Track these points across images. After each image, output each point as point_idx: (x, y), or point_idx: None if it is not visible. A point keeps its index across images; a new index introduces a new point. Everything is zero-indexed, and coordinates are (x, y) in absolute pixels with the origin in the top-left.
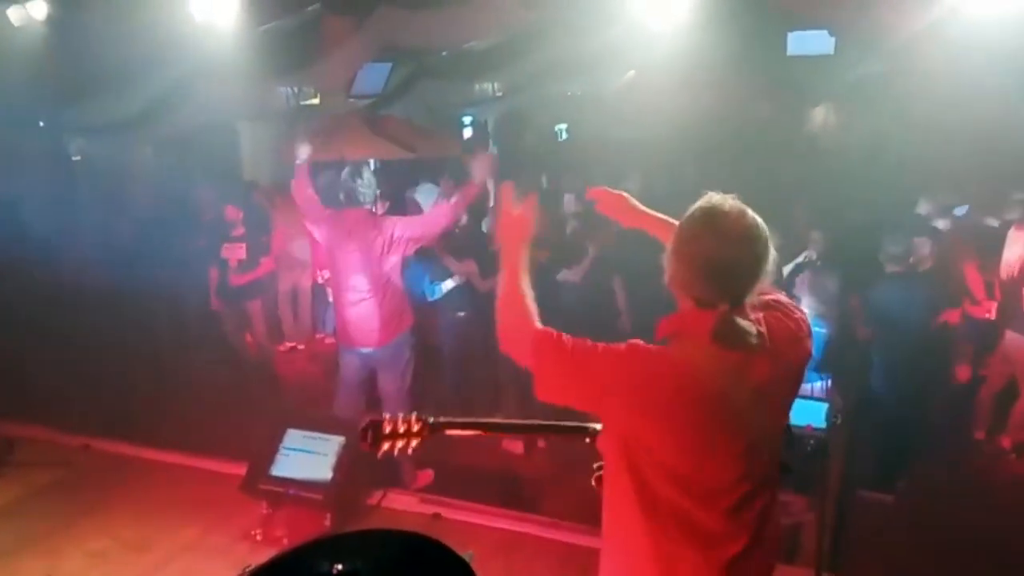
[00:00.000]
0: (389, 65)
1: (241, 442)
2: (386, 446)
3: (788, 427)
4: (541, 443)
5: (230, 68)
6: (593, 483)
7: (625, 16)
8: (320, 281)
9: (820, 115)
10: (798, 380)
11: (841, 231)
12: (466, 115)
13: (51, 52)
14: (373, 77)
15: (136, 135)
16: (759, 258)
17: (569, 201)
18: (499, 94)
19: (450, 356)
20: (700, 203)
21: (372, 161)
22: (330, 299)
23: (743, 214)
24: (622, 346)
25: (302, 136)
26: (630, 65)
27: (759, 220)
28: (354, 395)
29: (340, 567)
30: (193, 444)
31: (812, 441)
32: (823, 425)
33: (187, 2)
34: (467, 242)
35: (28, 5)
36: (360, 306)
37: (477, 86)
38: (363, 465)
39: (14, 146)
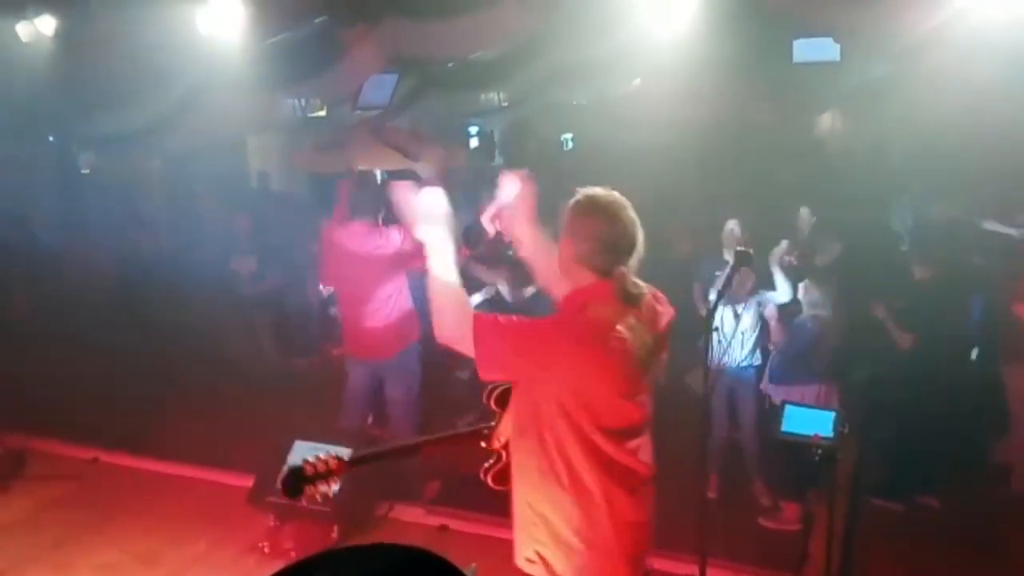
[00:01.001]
0: (396, 76)
1: (249, 454)
2: (309, 490)
3: None
4: None
5: (237, 81)
6: (482, 475)
7: (630, 24)
8: (324, 292)
9: (827, 122)
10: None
11: (850, 237)
12: (472, 125)
13: (59, 67)
14: (380, 88)
15: (144, 148)
16: (635, 231)
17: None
18: (505, 104)
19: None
20: (580, 195)
21: (379, 172)
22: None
23: (617, 198)
24: (551, 318)
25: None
26: (635, 73)
27: (627, 202)
28: (361, 406)
29: None
30: (201, 457)
31: (819, 450)
32: (830, 434)
33: (194, 15)
34: (497, 252)
35: (36, 21)
36: (368, 317)
37: (483, 96)
38: (370, 477)
39: (24, 159)
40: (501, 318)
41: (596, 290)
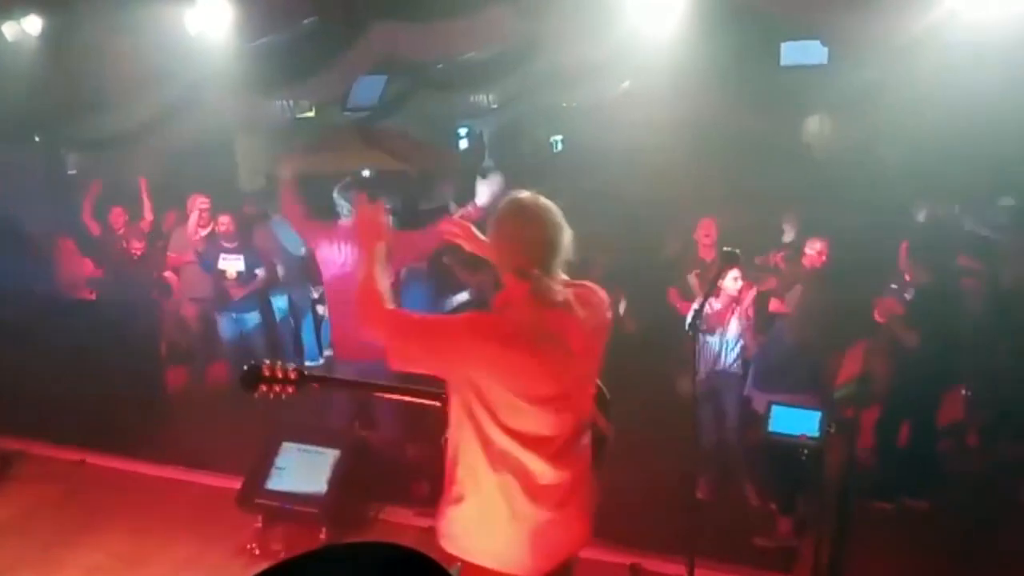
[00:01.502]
0: (385, 77)
1: (237, 456)
2: (263, 388)
3: (601, 394)
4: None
5: (226, 81)
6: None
7: (620, 28)
8: (315, 296)
9: (815, 124)
10: (602, 343)
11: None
12: (462, 127)
13: (46, 67)
14: (369, 89)
15: (132, 149)
16: (556, 234)
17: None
18: (495, 106)
19: None
20: (507, 199)
21: (367, 173)
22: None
23: (541, 202)
24: (463, 316)
25: (292, 151)
26: (625, 76)
27: (553, 206)
28: (348, 408)
29: None
30: (189, 458)
31: (806, 451)
32: (816, 434)
33: (182, 16)
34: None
35: (22, 20)
36: (354, 318)
37: (473, 98)
38: (359, 478)
39: (10, 161)
40: (416, 315)
41: (514, 292)
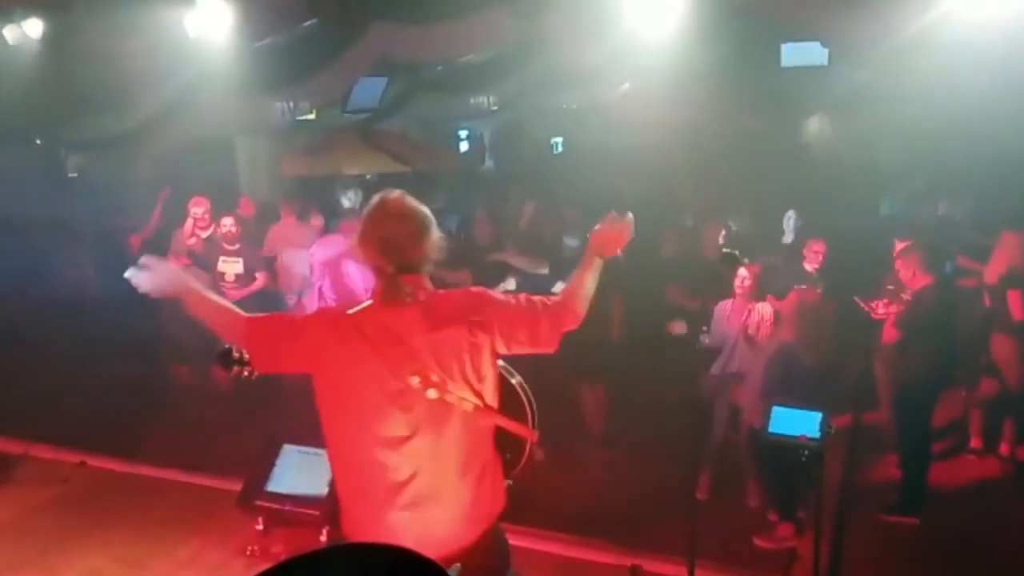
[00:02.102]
0: (385, 80)
1: (237, 458)
2: (235, 369)
3: (519, 401)
4: (539, 456)
5: (226, 83)
6: None
7: (620, 29)
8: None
9: (815, 125)
10: (467, 347)
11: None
12: (462, 129)
13: (47, 70)
14: (369, 91)
15: (133, 151)
16: (415, 233)
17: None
18: (495, 108)
19: None
20: (374, 197)
21: (368, 175)
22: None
23: (402, 201)
24: (314, 312)
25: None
26: (625, 78)
27: (418, 205)
28: None
29: None
30: (189, 461)
31: (806, 451)
32: (817, 435)
33: (182, 18)
34: (460, 253)
35: (23, 24)
36: None
37: (473, 100)
38: None
39: (11, 163)
40: (275, 317)
41: (374, 287)
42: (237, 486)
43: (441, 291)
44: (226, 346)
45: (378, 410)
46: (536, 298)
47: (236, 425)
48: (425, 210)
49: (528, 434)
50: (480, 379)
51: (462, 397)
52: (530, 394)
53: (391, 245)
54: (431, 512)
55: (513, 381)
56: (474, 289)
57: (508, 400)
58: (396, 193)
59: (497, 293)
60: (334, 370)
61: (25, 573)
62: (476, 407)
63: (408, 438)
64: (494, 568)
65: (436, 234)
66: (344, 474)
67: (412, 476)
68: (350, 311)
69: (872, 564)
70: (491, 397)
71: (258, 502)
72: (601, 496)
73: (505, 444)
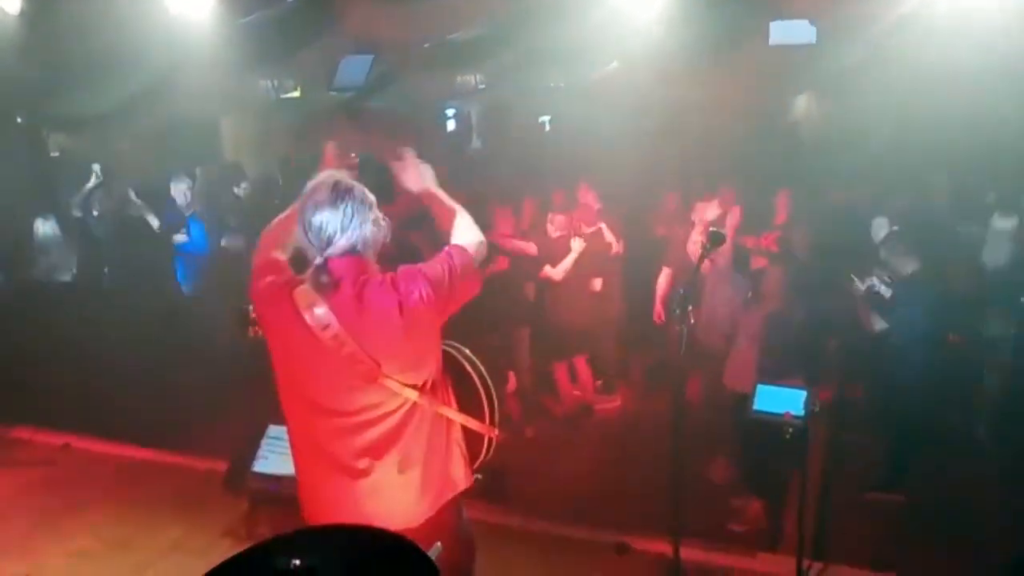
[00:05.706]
0: (371, 57)
1: (223, 439)
2: (252, 330)
3: (477, 393)
4: (529, 432)
5: (208, 61)
6: None
7: (607, 6)
8: None
9: (803, 103)
10: (403, 327)
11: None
12: (449, 107)
13: (26, 46)
14: (354, 69)
15: (114, 129)
16: (343, 219)
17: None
18: (482, 86)
19: None
20: (316, 178)
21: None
22: None
23: (334, 185)
24: (265, 283)
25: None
26: (612, 56)
27: (353, 189)
28: None
29: (298, 563)
30: (174, 442)
31: (791, 429)
32: (801, 413)
33: None
34: (397, 251)
35: (1, 0)
36: None
37: (460, 78)
38: None
39: None
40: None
41: (308, 273)
42: (222, 467)
43: (378, 275)
44: (241, 306)
45: (322, 395)
46: (442, 251)
47: (221, 406)
48: (357, 194)
49: (486, 430)
50: (419, 363)
51: (403, 383)
52: (491, 388)
53: (318, 230)
54: (378, 502)
55: (472, 373)
56: (403, 267)
57: (466, 396)
58: (329, 176)
59: (423, 264)
60: (276, 337)
61: (10, 556)
62: (420, 394)
63: (354, 412)
64: (458, 561)
65: (376, 214)
66: (296, 451)
67: (363, 453)
68: (295, 290)
69: (857, 540)
70: (437, 383)
71: (244, 483)
72: (588, 475)
73: (466, 440)
